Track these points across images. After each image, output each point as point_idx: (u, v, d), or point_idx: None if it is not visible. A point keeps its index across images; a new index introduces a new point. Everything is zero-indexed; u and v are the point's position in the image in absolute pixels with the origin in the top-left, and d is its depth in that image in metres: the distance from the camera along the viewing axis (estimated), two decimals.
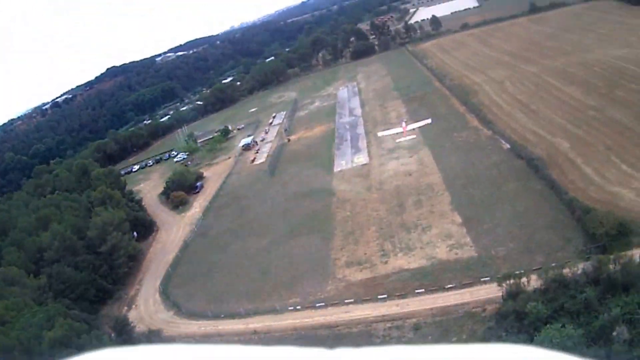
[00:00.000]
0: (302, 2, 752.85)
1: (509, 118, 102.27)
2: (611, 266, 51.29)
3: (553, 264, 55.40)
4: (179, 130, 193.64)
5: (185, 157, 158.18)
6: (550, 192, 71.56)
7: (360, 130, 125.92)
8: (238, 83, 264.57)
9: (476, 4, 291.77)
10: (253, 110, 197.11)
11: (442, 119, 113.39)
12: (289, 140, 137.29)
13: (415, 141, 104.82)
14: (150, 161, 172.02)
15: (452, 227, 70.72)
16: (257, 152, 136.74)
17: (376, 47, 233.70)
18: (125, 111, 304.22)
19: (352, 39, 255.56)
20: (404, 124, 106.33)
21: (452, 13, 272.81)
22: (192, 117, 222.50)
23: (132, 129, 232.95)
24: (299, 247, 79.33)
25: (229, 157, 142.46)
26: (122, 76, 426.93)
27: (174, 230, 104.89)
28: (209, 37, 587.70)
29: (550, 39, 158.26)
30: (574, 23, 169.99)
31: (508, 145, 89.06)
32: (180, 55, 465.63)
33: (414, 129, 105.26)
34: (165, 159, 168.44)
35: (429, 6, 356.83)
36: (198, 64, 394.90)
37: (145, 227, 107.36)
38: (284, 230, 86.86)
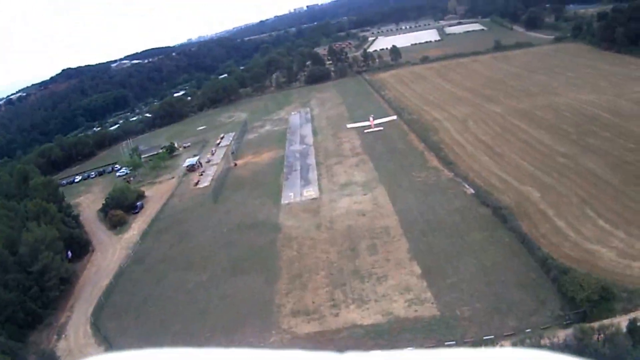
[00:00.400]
0: (261, 21, 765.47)
1: (472, 160, 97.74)
2: (596, 337, 46.33)
3: (528, 330, 50.40)
4: (125, 142, 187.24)
5: (128, 172, 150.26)
6: (520, 246, 66.57)
7: (311, 160, 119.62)
8: (189, 98, 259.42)
9: (438, 38, 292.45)
10: (201, 128, 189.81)
11: (399, 156, 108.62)
12: (235, 164, 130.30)
13: (369, 178, 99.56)
14: (93, 173, 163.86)
15: (410, 279, 64.53)
16: (202, 175, 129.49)
17: (332, 74, 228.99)
18: (76, 115, 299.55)
19: (308, 62, 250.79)
20: (371, 119, 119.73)
21: (412, 45, 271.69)
22: (139, 130, 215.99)
23: (80, 135, 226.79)
24: (241, 286, 71.85)
25: (173, 177, 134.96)
26: (76, 79, 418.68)
27: (109, 253, 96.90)
28: (165, 47, 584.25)
29: (515, 78, 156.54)
30: (540, 64, 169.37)
31: (472, 190, 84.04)
32: (136, 63, 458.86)
33: (380, 124, 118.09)
34: (108, 172, 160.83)
35: (388, 36, 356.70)
36: (152, 74, 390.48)
37: (80, 247, 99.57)
38: (225, 265, 79.40)
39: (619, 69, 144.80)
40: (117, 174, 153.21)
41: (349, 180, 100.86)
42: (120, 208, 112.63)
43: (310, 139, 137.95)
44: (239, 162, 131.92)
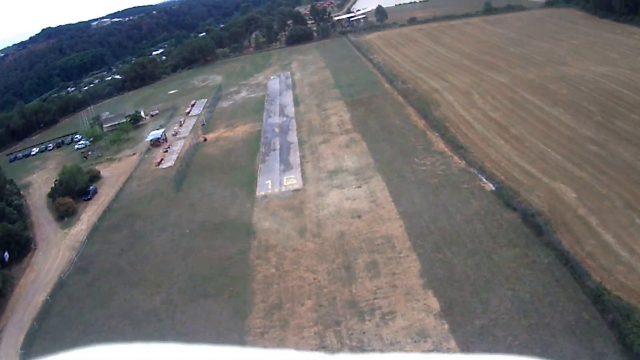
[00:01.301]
0: None
1: (485, 144, 79.12)
2: None
3: None
4: (87, 108, 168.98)
5: (88, 144, 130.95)
6: (563, 271, 48.90)
7: (293, 137, 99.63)
8: (164, 58, 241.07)
9: None
10: (173, 92, 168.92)
11: (397, 135, 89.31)
12: (205, 139, 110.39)
13: (363, 163, 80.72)
14: (50, 144, 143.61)
15: (426, 318, 46.39)
16: (167, 151, 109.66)
17: (315, 34, 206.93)
18: (52, 75, 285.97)
19: (290, 22, 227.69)
20: (354, 10, 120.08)
21: (396, 5, 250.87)
22: (107, 93, 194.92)
23: (52, 96, 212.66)
24: (203, 319, 53.01)
25: (134, 153, 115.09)
26: (55, 38, 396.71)
27: (52, 254, 77.31)
28: (147, 6, 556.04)
29: (514, 44, 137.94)
30: (538, 30, 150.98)
31: (492, 186, 65.78)
32: (116, 21, 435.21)
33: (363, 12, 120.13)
34: (67, 143, 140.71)
35: None
36: (131, 32, 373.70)
37: (20, 245, 79.88)
38: (184, 282, 60.36)
39: (624, 39, 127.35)
40: (76, 146, 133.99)
41: (338, 166, 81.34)
42: (70, 194, 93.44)
43: (291, 110, 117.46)
44: (209, 136, 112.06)
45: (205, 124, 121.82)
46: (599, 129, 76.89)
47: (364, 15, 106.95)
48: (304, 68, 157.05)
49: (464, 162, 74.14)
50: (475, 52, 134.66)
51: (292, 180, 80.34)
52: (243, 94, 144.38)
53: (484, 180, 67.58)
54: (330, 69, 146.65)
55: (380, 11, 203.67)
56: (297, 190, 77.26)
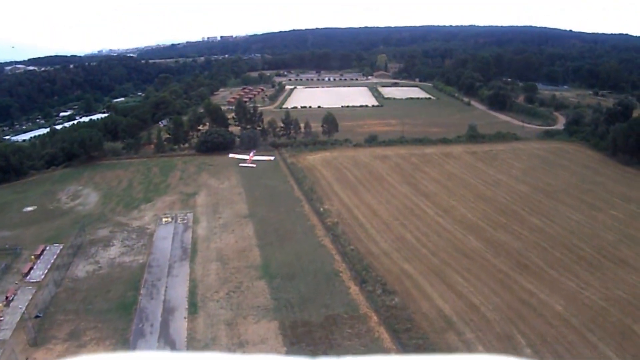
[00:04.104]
0: (172, 45, 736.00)
1: None
2: None
3: None
4: None
5: None
6: None
7: None
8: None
9: (375, 103, 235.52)
10: (29, 209, 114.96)
11: None
12: None
13: None
14: None
15: None
16: None
17: (237, 140, 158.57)
18: None
19: (206, 117, 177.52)
20: (251, 154, 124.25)
21: (343, 107, 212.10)
22: None
23: None
24: None
25: None
26: None
27: None
28: (72, 56, 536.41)
29: (532, 208, 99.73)
30: (552, 179, 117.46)
31: None
32: (29, 70, 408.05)
33: (258, 161, 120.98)
34: None
35: (309, 87, 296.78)
36: (44, 85, 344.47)
37: None
38: None
39: None
40: None
41: None
42: None
43: (181, 326, 65.01)
44: (38, 356, 61.57)
45: (40, 315, 71.16)
46: None
47: (254, 165, 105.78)
48: (214, 210, 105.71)
49: None
50: (482, 222, 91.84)
51: None
52: (114, 249, 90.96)
53: None
54: (255, 221, 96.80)
55: (329, 120, 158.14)
56: None
